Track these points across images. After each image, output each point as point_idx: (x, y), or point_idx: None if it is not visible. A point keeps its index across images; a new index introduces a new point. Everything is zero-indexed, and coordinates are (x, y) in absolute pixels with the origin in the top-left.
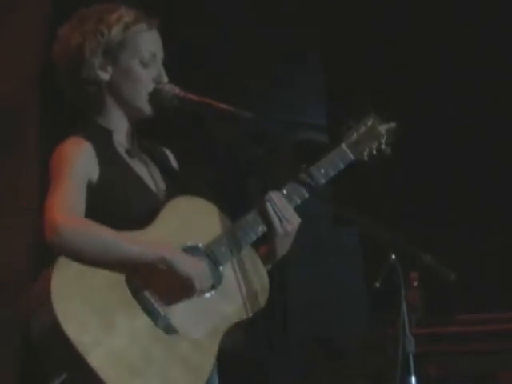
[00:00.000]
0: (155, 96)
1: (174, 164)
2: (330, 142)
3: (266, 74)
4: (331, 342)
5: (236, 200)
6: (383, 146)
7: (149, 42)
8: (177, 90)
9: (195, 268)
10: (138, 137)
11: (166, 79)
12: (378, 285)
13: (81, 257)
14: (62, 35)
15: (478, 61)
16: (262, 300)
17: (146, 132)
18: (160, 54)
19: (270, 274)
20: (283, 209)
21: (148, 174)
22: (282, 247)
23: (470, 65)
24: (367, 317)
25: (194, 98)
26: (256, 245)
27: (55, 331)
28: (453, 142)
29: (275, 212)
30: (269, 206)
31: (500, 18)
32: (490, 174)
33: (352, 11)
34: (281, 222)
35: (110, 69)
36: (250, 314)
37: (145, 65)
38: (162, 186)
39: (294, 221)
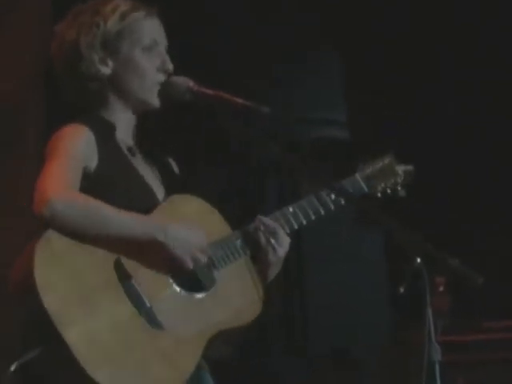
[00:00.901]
0: (167, 89)
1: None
2: (349, 139)
3: (266, 74)
4: (352, 350)
5: (253, 200)
6: (399, 187)
7: (149, 29)
8: (191, 84)
9: (191, 241)
10: (140, 140)
11: (171, 66)
12: (402, 290)
13: (75, 230)
14: (57, 32)
15: (478, 61)
16: (255, 312)
17: (154, 127)
18: (163, 42)
19: (289, 277)
20: (277, 235)
21: (148, 176)
22: (274, 270)
23: (470, 65)
24: (390, 324)
25: (209, 92)
26: None
27: (35, 302)
28: (453, 142)
29: (268, 240)
30: (261, 235)
31: (500, 18)
32: (490, 174)
33: (352, 11)
34: (274, 249)
35: (110, 62)
36: (240, 324)
37: (147, 52)
38: (162, 190)
39: (286, 245)
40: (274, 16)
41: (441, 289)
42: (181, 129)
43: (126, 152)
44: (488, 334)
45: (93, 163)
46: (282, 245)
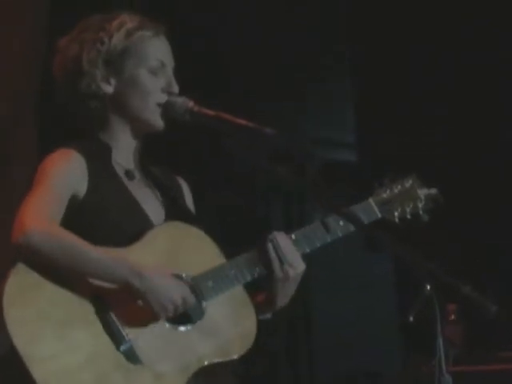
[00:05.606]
0: (166, 110)
1: (187, 195)
2: (357, 161)
3: (267, 77)
4: (360, 380)
5: (257, 225)
6: (420, 212)
7: (155, 49)
8: (190, 104)
9: (170, 292)
10: (144, 161)
11: (176, 88)
12: (411, 319)
13: (48, 263)
14: (60, 46)
15: (478, 61)
16: (245, 345)
17: (153, 152)
18: (170, 63)
19: (293, 302)
20: (287, 251)
21: (146, 200)
22: (283, 294)
23: (470, 65)
24: (399, 354)
25: (210, 113)
26: (254, 291)
27: (4, 338)
28: (453, 142)
29: (276, 253)
30: (270, 246)
31: (500, 18)
32: (490, 173)
33: (352, 11)
34: (281, 263)
35: (113, 81)
36: (229, 358)
37: (152, 73)
38: (161, 215)
39: (297, 266)
40: (274, 18)
41: (452, 317)
42: (183, 150)
43: (121, 176)
44: (503, 364)
45: (82, 189)
46: (293, 265)
